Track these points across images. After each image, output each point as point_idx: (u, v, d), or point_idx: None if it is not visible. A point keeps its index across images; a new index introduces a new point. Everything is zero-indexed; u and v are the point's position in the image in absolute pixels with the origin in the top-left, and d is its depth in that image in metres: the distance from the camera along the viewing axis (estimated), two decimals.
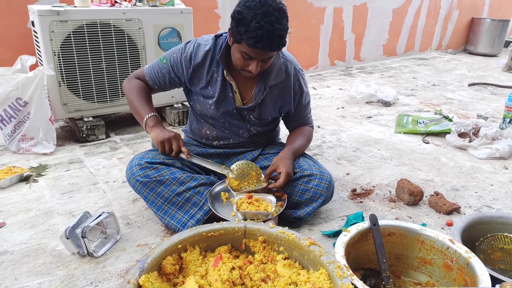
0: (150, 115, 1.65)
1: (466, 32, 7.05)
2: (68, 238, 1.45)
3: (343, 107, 3.57)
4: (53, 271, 1.43)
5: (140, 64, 2.65)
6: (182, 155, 1.65)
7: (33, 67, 2.38)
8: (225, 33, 1.65)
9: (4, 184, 1.98)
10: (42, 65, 2.41)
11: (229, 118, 1.75)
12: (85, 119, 2.62)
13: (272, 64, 1.65)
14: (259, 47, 1.42)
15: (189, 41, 1.70)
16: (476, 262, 1.19)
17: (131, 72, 2.62)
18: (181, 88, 1.81)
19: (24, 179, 2.07)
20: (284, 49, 1.73)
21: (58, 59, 2.39)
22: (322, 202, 1.69)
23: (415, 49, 6.39)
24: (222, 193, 1.68)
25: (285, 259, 1.30)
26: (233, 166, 1.66)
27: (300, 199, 1.68)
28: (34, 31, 2.45)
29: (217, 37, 1.68)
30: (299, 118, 1.86)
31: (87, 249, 1.48)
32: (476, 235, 1.43)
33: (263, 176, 1.67)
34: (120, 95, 2.67)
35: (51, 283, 1.37)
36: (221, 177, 1.78)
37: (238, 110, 1.73)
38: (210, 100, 1.71)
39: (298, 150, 1.76)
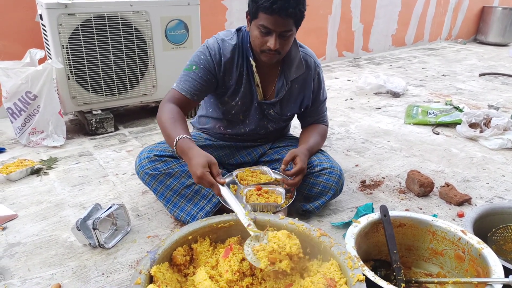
0: (179, 138, 1.42)
1: (477, 21, 6.93)
2: (79, 230, 1.47)
3: (351, 99, 3.54)
4: (65, 262, 1.45)
5: (147, 56, 2.65)
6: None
7: (42, 61, 2.40)
8: (244, 26, 1.65)
9: (15, 177, 2.01)
10: (51, 58, 2.42)
11: (250, 113, 1.74)
12: (94, 112, 2.64)
13: (292, 57, 1.64)
14: (275, 10, 1.38)
15: (208, 41, 1.64)
16: (488, 253, 1.18)
17: (138, 64, 2.63)
18: None
19: (35, 171, 2.09)
20: (301, 43, 1.72)
21: (67, 52, 2.39)
22: (332, 196, 1.68)
23: (424, 39, 6.30)
24: (231, 185, 1.68)
25: None
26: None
27: (310, 193, 1.67)
28: (42, 24, 2.45)
29: (238, 31, 1.66)
30: (315, 115, 1.84)
31: (98, 240, 1.49)
32: (488, 226, 1.42)
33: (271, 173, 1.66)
34: (128, 88, 2.67)
35: (63, 274, 1.39)
36: (230, 169, 1.78)
37: (259, 104, 1.72)
38: (236, 97, 1.69)
39: (313, 148, 1.72)
